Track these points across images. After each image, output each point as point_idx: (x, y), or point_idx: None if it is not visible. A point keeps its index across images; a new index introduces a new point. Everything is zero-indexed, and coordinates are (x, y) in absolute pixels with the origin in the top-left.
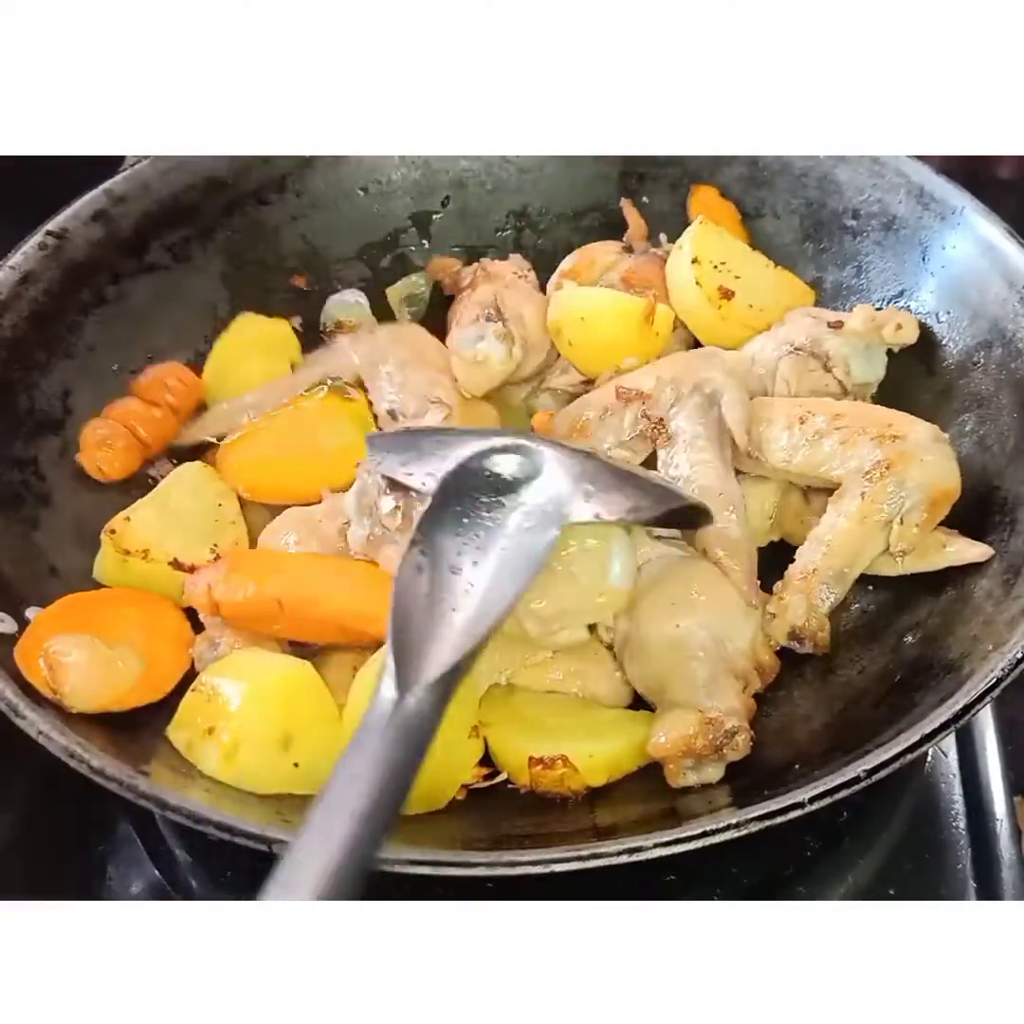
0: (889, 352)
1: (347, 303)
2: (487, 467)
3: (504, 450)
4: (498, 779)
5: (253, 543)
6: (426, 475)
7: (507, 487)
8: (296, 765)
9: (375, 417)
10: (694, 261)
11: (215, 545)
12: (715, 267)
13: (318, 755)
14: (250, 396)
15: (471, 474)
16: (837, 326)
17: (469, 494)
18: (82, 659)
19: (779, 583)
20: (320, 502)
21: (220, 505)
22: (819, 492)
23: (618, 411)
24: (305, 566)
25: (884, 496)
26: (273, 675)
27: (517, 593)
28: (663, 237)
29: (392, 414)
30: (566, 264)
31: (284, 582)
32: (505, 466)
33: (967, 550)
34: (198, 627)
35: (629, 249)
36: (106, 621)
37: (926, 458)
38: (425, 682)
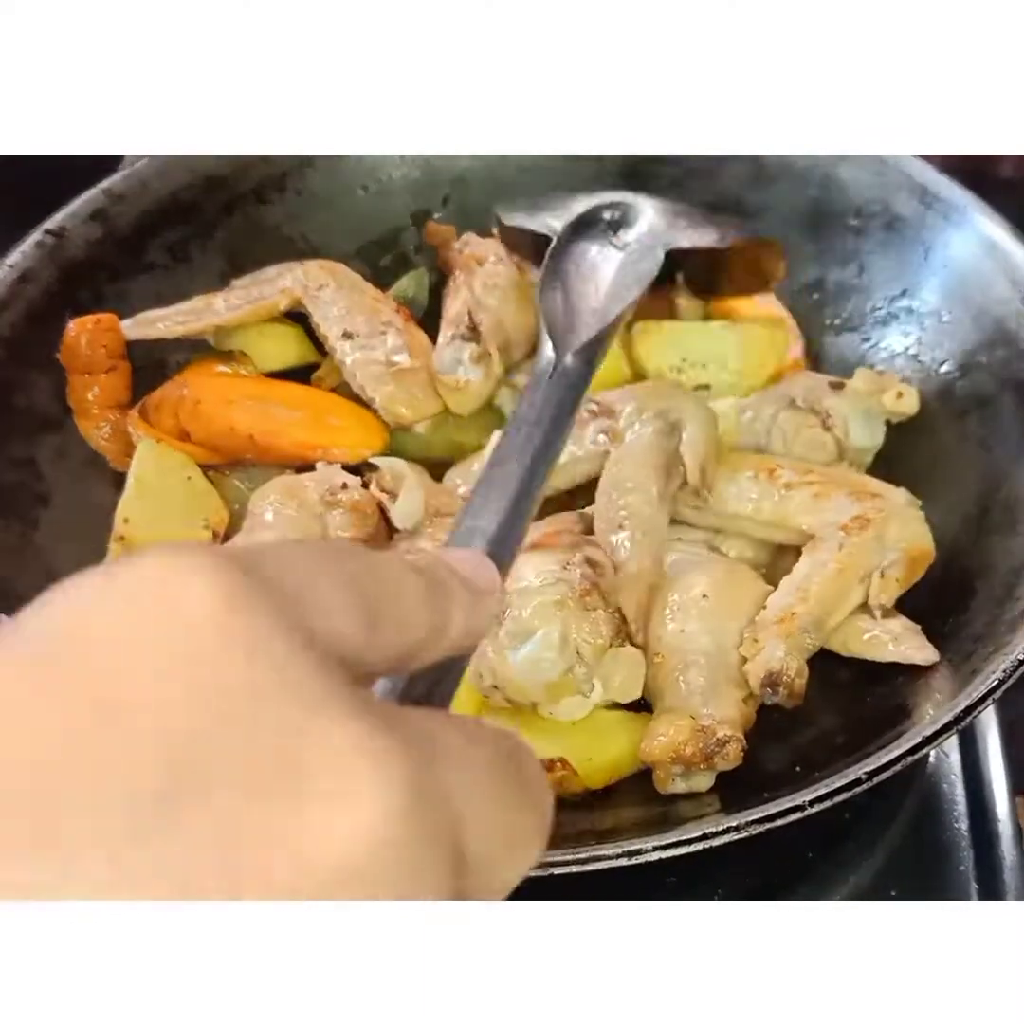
0: (887, 422)
1: None
2: (597, 216)
3: (610, 206)
4: None
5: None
6: (550, 222)
7: (615, 229)
8: None
9: (326, 338)
10: (658, 377)
11: (206, 519)
12: (679, 370)
13: None
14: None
15: (585, 223)
16: (838, 387)
17: (585, 237)
18: None
19: (750, 627)
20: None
21: (189, 478)
22: None
23: (584, 424)
24: (267, 398)
25: (864, 549)
26: None
27: (634, 299)
28: (679, 276)
29: (347, 334)
30: None
31: (254, 418)
32: (611, 213)
33: (914, 654)
34: None
35: None
36: None
37: (904, 517)
38: (574, 347)
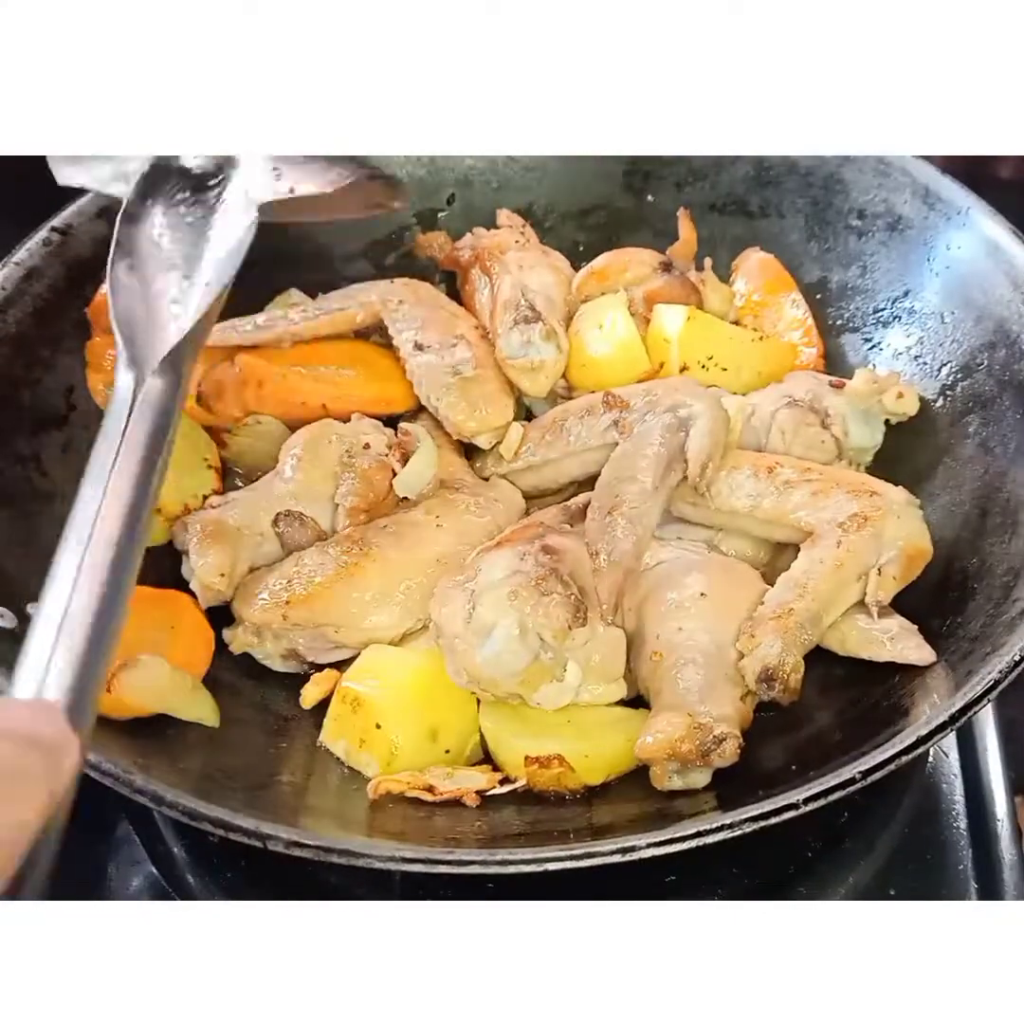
0: (886, 422)
1: None
2: (180, 165)
3: (190, 158)
4: (517, 785)
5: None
6: (112, 181)
7: (204, 184)
8: (447, 751)
9: (399, 350)
10: (683, 369)
11: (205, 458)
12: (703, 366)
13: (464, 735)
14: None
15: (165, 173)
16: (839, 386)
17: (166, 194)
18: (143, 668)
19: (747, 623)
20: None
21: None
22: None
23: (596, 413)
24: (319, 361)
25: (862, 546)
26: (406, 676)
27: (227, 277)
28: (708, 261)
29: (417, 346)
30: (599, 262)
31: (322, 387)
32: (198, 163)
33: (911, 654)
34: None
35: (667, 266)
36: (132, 622)
37: (902, 515)
38: (156, 363)
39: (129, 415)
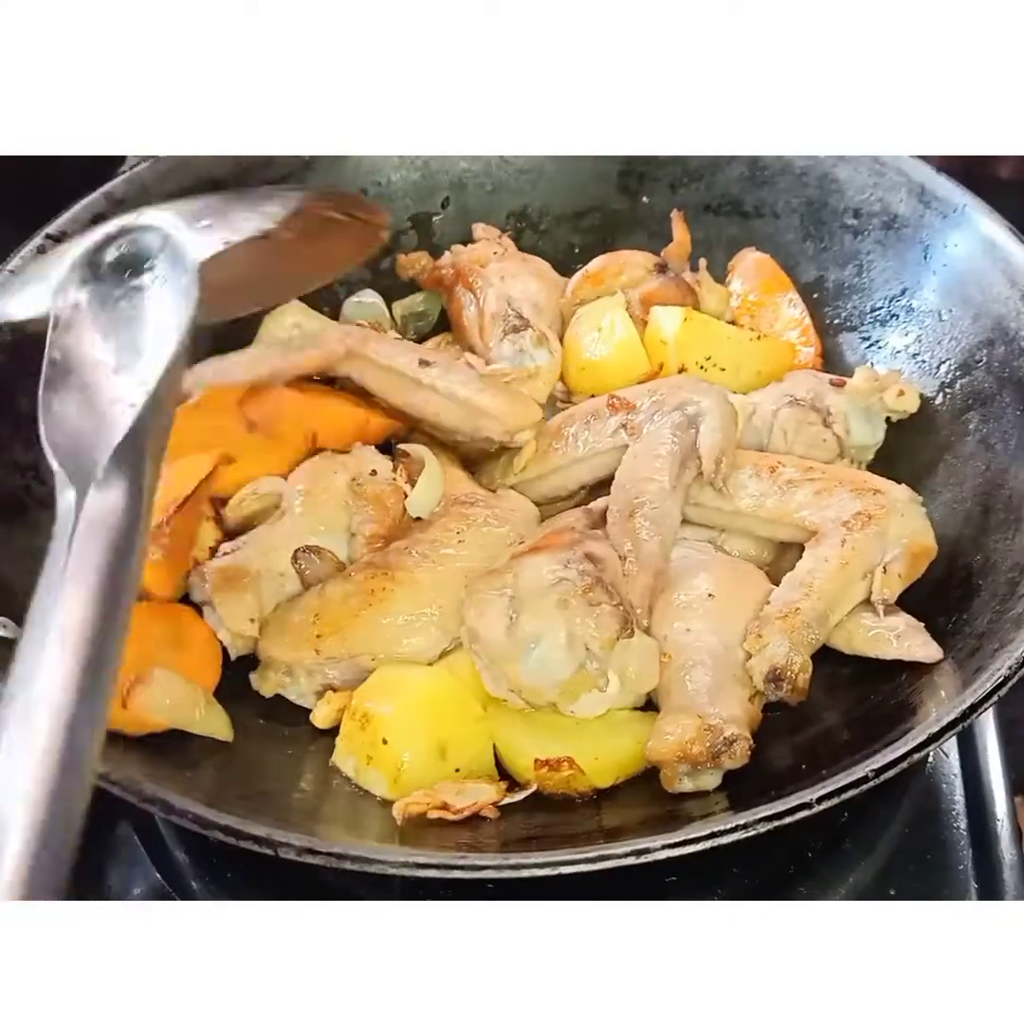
0: (887, 420)
1: (364, 304)
2: (105, 259)
3: (116, 236)
4: (525, 794)
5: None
6: (35, 300)
7: (138, 266)
8: (457, 770)
9: (403, 372)
10: (681, 370)
11: (214, 547)
12: (701, 366)
13: (475, 753)
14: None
15: (93, 273)
16: (840, 385)
17: (99, 292)
18: (158, 683)
19: (754, 623)
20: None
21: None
22: None
23: (603, 417)
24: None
25: (867, 545)
26: (416, 693)
27: (173, 356)
28: (703, 262)
29: (424, 362)
30: (594, 265)
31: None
32: (127, 248)
33: (917, 651)
34: None
35: (663, 268)
36: (140, 638)
37: (906, 513)
38: (102, 467)
39: (71, 540)
